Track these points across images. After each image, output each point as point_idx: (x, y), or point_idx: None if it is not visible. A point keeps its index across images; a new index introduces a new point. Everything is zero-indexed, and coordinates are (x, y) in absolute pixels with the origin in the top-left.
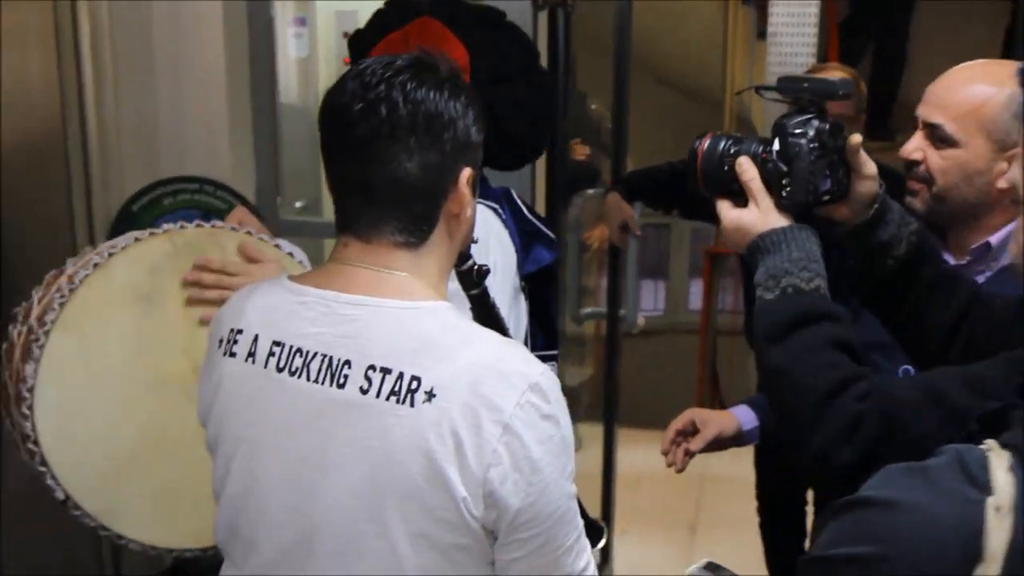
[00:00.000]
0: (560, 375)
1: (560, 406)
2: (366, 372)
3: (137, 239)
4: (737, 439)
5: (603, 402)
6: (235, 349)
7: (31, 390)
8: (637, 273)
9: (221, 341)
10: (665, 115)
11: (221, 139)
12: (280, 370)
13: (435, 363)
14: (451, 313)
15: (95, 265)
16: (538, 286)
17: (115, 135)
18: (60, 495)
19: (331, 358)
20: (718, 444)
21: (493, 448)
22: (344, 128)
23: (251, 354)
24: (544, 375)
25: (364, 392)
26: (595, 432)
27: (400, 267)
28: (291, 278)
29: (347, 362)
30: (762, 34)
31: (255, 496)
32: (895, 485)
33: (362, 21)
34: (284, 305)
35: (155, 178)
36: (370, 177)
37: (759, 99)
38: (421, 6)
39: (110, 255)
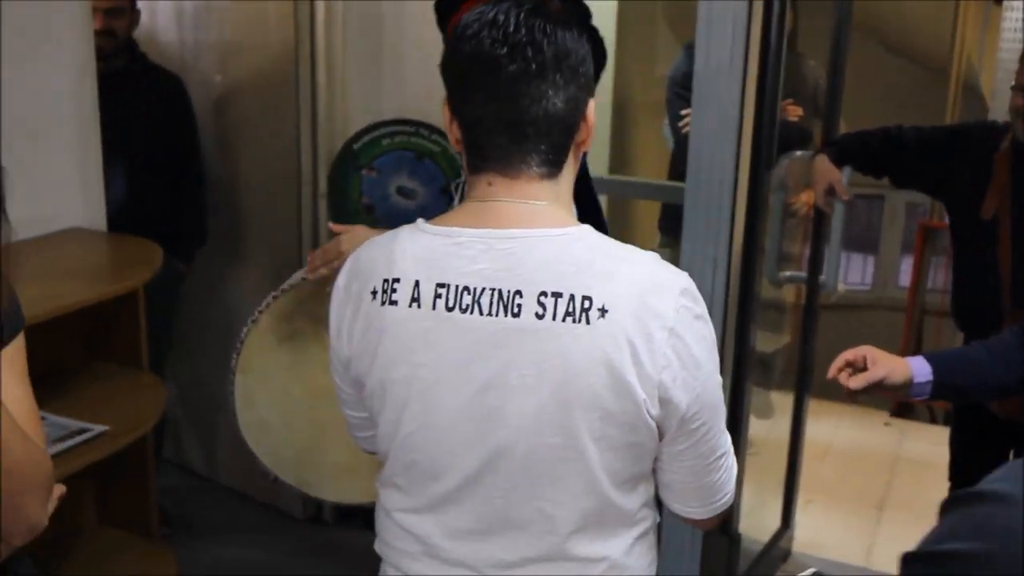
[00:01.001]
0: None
1: (704, 306)
2: (538, 298)
3: (275, 296)
4: (904, 388)
5: (797, 370)
6: (395, 297)
7: (234, 414)
8: (841, 239)
9: (375, 293)
10: (884, 79)
11: (438, 83)
12: (450, 309)
13: (600, 282)
14: (595, 235)
15: (252, 321)
16: None
17: (342, 76)
18: (271, 476)
19: (500, 291)
20: (882, 388)
21: (663, 352)
22: (492, 72)
23: (414, 299)
24: (689, 280)
25: (540, 317)
26: (786, 401)
27: (543, 197)
28: (431, 222)
29: (518, 292)
30: None
31: (435, 429)
32: (1013, 479)
33: None
34: (438, 248)
35: (376, 119)
36: (521, 115)
37: (989, 65)
38: None
39: (259, 313)
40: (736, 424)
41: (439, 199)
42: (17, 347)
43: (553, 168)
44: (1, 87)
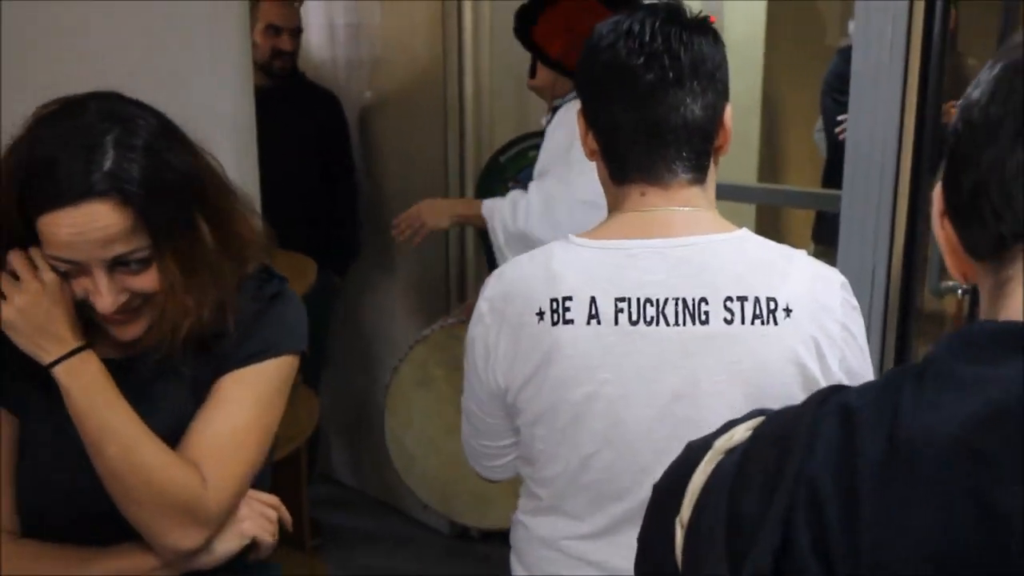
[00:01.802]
0: (914, 352)
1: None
2: (724, 303)
3: (410, 347)
4: None
5: None
6: (570, 316)
7: (389, 454)
8: None
9: (541, 313)
10: None
11: None
12: (634, 323)
13: (779, 282)
14: (756, 236)
15: (394, 369)
16: None
17: (489, 88)
18: (423, 504)
19: (684, 299)
20: None
21: (839, 345)
22: (632, 81)
23: (592, 316)
24: (839, 274)
25: (728, 322)
26: None
27: (698, 203)
28: (585, 236)
29: (703, 299)
30: None
31: (622, 445)
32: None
33: None
34: (607, 262)
35: (522, 131)
36: (660, 123)
37: None
38: None
39: (400, 363)
40: None
41: None
42: (258, 371)
43: (699, 174)
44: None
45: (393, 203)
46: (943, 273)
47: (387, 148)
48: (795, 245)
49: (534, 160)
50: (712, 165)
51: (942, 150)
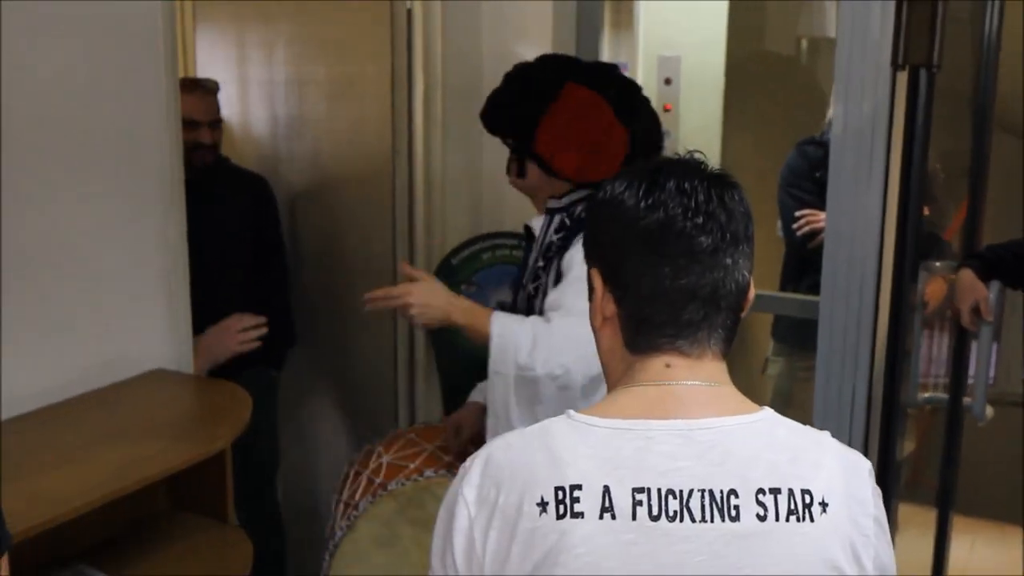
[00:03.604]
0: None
1: None
2: (756, 497)
3: (370, 501)
4: None
5: (939, 497)
6: (579, 508)
7: None
8: (988, 360)
9: (543, 504)
10: (1014, 170)
11: None
12: (655, 518)
13: (812, 471)
14: (783, 417)
15: (347, 527)
16: None
17: (440, 187)
18: None
19: (711, 491)
20: None
21: (873, 543)
22: (688, 241)
23: (606, 509)
24: (863, 458)
25: (762, 519)
26: (910, 513)
27: (722, 379)
28: (591, 412)
29: (732, 491)
30: None
31: None
32: None
33: (687, 67)
34: (624, 445)
35: (476, 232)
36: (716, 288)
37: None
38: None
39: (355, 518)
40: None
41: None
42: None
43: (729, 345)
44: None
45: (339, 307)
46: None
47: (336, 248)
48: (755, 343)
49: (488, 263)
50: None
51: (930, 251)
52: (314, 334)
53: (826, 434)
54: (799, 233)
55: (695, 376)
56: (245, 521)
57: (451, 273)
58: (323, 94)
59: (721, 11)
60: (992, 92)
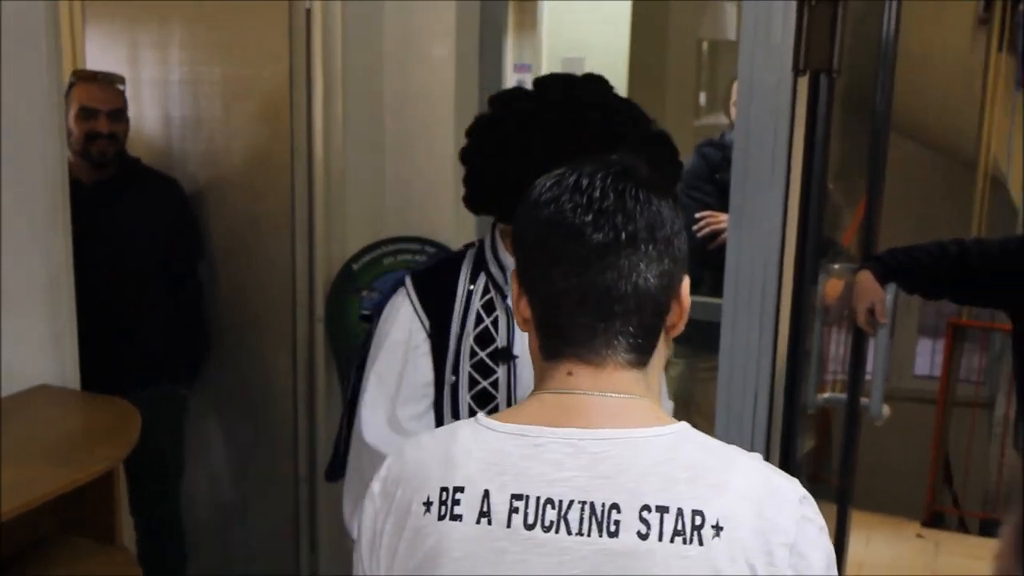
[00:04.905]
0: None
1: (822, 517)
2: (640, 514)
3: None
4: None
5: (838, 497)
6: (458, 511)
7: None
8: (885, 361)
9: (428, 504)
10: (909, 173)
11: (445, 199)
12: (530, 527)
13: (711, 492)
14: (698, 433)
15: None
16: None
17: (341, 190)
18: None
19: (592, 504)
20: None
21: (784, 573)
22: (575, 241)
23: (483, 514)
24: (801, 487)
25: (643, 537)
26: None
27: (634, 390)
28: (496, 417)
29: (614, 506)
30: (1020, 84)
31: None
32: None
33: (590, 69)
34: (513, 451)
35: (377, 237)
36: (608, 291)
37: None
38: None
39: None
40: None
41: None
42: None
43: (642, 355)
44: None
45: (235, 312)
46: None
47: (229, 251)
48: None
49: (390, 268)
50: (662, 346)
51: (825, 253)
52: (210, 337)
53: (748, 455)
54: (699, 235)
55: (598, 386)
56: (142, 529)
57: (352, 279)
58: (219, 94)
59: (624, 13)
60: (889, 95)
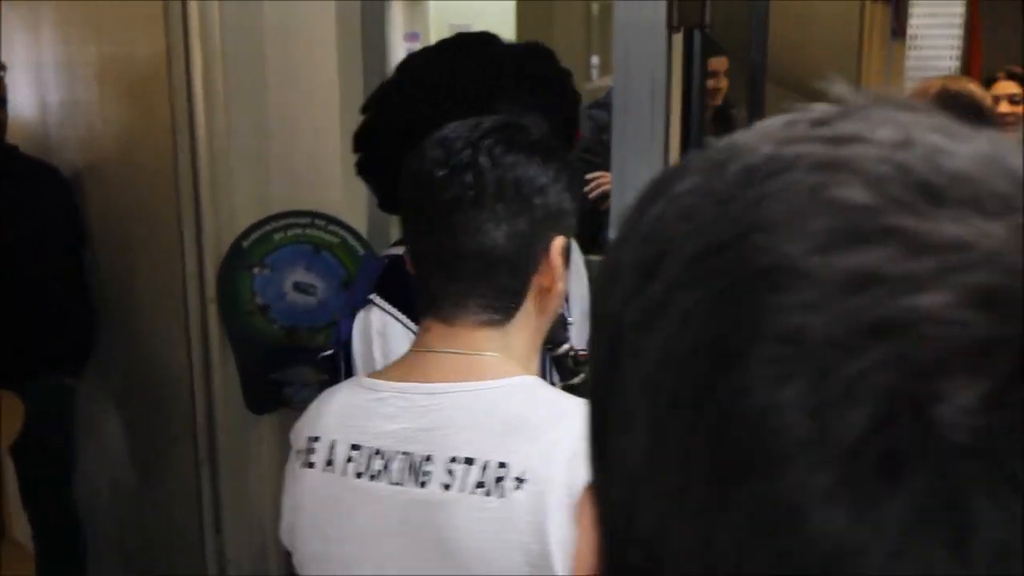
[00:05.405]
0: None
1: None
2: (448, 466)
3: None
4: None
5: None
6: (312, 459)
7: None
8: None
9: (298, 454)
10: None
11: (332, 171)
12: (359, 475)
13: (523, 444)
14: (543, 387)
15: None
16: None
17: (226, 167)
18: None
19: (412, 455)
20: None
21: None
22: (426, 196)
23: (329, 462)
24: None
25: (447, 488)
26: None
27: (488, 348)
28: (372, 375)
29: (427, 457)
30: (896, 33)
31: None
32: None
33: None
34: (361, 404)
35: (266, 213)
36: (454, 249)
37: None
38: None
39: None
40: None
41: (340, 293)
42: None
43: (497, 315)
44: None
45: (123, 297)
46: None
47: (113, 234)
48: None
49: (281, 243)
50: (532, 307)
51: None
52: (98, 325)
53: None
54: (591, 196)
55: (449, 343)
56: (37, 523)
57: (242, 256)
58: (94, 74)
59: None
60: (764, 46)
